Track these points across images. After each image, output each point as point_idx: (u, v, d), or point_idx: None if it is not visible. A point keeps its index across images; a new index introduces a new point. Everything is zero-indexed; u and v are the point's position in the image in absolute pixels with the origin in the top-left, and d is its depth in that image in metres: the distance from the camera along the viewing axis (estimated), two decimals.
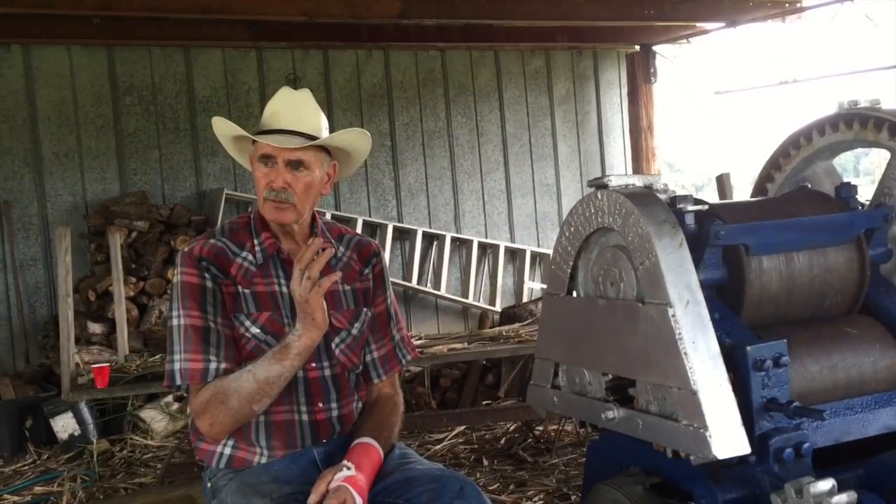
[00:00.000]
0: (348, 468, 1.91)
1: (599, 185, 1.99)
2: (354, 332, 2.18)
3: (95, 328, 6.16)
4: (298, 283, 1.93)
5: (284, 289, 2.14)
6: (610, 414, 1.98)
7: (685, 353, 1.77)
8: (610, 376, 2.01)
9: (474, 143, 8.01)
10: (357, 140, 2.24)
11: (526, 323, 5.24)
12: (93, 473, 4.91)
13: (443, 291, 7.55)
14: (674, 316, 1.79)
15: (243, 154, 2.25)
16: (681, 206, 1.96)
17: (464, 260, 7.81)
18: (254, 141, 2.15)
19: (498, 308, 7.62)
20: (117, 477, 4.91)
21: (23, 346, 6.53)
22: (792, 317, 2.06)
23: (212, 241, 2.15)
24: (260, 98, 7.22)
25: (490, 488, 4.25)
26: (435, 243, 7.68)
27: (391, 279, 7.03)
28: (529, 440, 4.90)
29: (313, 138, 2.13)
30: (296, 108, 2.14)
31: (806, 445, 1.79)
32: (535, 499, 4.03)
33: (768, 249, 1.97)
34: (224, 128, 2.21)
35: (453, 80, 7.90)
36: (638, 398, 1.93)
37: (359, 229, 7.30)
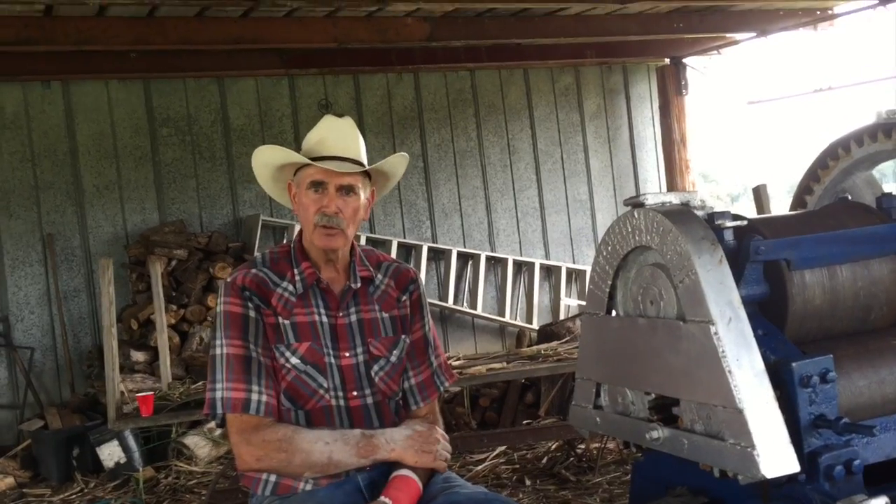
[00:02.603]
0: None
1: (636, 203, 1.99)
2: (393, 359, 2.20)
3: (138, 356, 6.25)
4: (432, 431, 2.09)
5: (324, 318, 2.16)
6: (655, 434, 1.96)
7: (729, 371, 1.75)
8: (653, 395, 2.00)
9: (506, 162, 8.02)
10: (400, 164, 2.30)
11: (564, 341, 5.22)
12: (139, 501, 4.97)
13: (479, 311, 7.55)
14: (716, 334, 1.77)
15: (279, 184, 2.27)
16: (719, 222, 1.95)
17: (499, 278, 7.80)
18: (296, 170, 2.18)
19: (535, 326, 7.60)
20: None
21: (68, 377, 6.64)
22: (837, 331, 2.03)
23: (254, 270, 2.18)
24: (293, 125, 7.31)
25: None
26: (470, 262, 7.69)
27: (430, 300, 7.06)
28: (571, 459, 4.87)
29: (358, 163, 2.16)
30: (342, 136, 2.18)
31: (857, 462, 1.76)
32: None
33: (810, 263, 1.95)
34: (273, 155, 2.23)
35: (483, 99, 7.94)
36: (682, 417, 1.91)
37: (394, 251, 7.34)
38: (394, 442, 1.98)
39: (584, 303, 7.33)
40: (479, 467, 5.02)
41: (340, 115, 2.23)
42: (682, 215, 1.90)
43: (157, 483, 5.37)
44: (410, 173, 7.62)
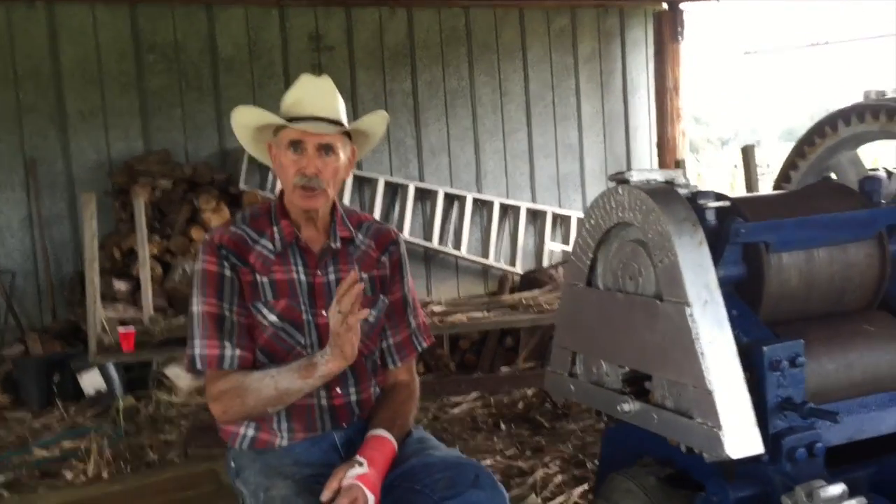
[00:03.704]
0: (360, 464, 1.94)
1: (620, 179, 1.99)
2: (371, 319, 2.21)
3: (120, 286, 6.25)
4: (337, 324, 1.94)
5: (302, 276, 2.17)
6: (626, 406, 2.00)
7: (702, 353, 1.78)
8: (627, 369, 2.03)
9: (497, 103, 7.95)
10: (379, 124, 2.28)
11: (546, 289, 5.25)
12: (119, 430, 5.03)
13: (463, 252, 7.57)
14: (691, 315, 1.79)
15: (259, 144, 2.25)
16: (702, 201, 1.95)
17: (485, 220, 7.81)
18: (276, 130, 2.16)
19: (518, 269, 7.65)
20: (143, 434, 5.03)
21: (49, 302, 6.65)
22: (811, 312, 2.05)
23: (232, 228, 2.18)
24: (283, 57, 7.19)
25: (507, 453, 4.32)
26: (456, 203, 7.68)
27: (413, 239, 7.05)
28: (547, 405, 4.96)
29: (337, 123, 2.15)
30: (320, 95, 2.16)
31: (819, 445, 1.81)
32: (551, 465, 4.08)
33: (789, 247, 1.96)
34: (250, 116, 2.21)
35: (477, 38, 7.82)
36: (654, 392, 1.95)
37: (380, 189, 7.32)
38: (325, 354, 2.00)
39: (568, 248, 7.37)
40: (456, 410, 5.10)
41: (319, 74, 2.21)
42: (665, 195, 1.90)
43: (137, 412, 5.42)
44: (400, 111, 7.55)
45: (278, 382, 2.03)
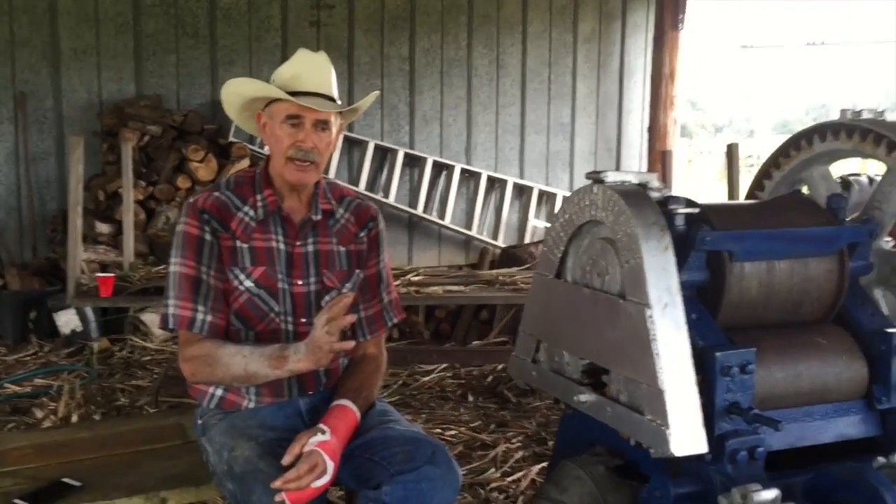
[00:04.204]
0: (323, 432, 2.00)
1: (596, 178, 2.05)
2: (345, 291, 2.27)
3: (103, 228, 6.27)
4: (319, 329, 1.98)
5: (282, 246, 2.23)
6: (583, 397, 2.08)
7: (657, 354, 1.85)
8: (587, 361, 2.11)
9: (493, 76, 7.95)
10: (370, 102, 2.34)
11: (524, 267, 5.32)
12: (92, 371, 5.09)
13: (447, 221, 7.62)
14: (651, 317, 1.86)
15: (245, 112, 2.29)
16: (672, 206, 2.01)
17: (471, 192, 7.85)
18: (269, 102, 2.20)
19: (501, 243, 7.71)
20: (115, 377, 5.09)
21: (31, 238, 6.66)
22: (768, 320, 2.13)
23: (216, 193, 2.22)
24: (281, 10, 7.15)
25: (472, 425, 4.41)
26: (444, 173, 7.71)
27: (398, 205, 7.05)
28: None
29: (332, 99, 2.21)
30: (317, 71, 2.21)
31: (760, 449, 1.89)
32: (514, 440, 4.17)
33: (751, 257, 2.03)
34: (249, 87, 2.24)
35: (478, 8, 7.79)
36: (610, 386, 2.02)
37: (370, 152, 7.33)
38: (299, 352, 2.05)
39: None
40: (426, 378, 5.18)
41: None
42: (637, 198, 1.96)
43: (112, 355, 5.48)
44: (395, 76, 7.55)
45: (248, 364, 2.09)
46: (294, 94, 2.17)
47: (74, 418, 4.01)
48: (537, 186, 8.04)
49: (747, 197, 2.61)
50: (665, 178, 5.46)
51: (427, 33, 7.65)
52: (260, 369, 2.09)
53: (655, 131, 8.20)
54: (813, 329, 2.14)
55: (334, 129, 2.23)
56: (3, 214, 6.63)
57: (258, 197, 2.23)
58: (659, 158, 7.11)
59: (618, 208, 1.96)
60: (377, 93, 2.34)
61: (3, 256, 6.57)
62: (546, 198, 8.13)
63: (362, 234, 2.34)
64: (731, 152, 4.59)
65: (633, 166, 8.55)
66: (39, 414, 4.19)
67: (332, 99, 2.22)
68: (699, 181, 16.96)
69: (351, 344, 2.06)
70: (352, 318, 2.02)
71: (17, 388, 4.78)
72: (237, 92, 2.25)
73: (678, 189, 6.14)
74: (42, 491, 2.14)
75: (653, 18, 8.30)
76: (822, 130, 2.34)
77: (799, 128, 2.58)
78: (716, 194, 12.05)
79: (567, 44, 8.20)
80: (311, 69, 2.19)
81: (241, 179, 2.28)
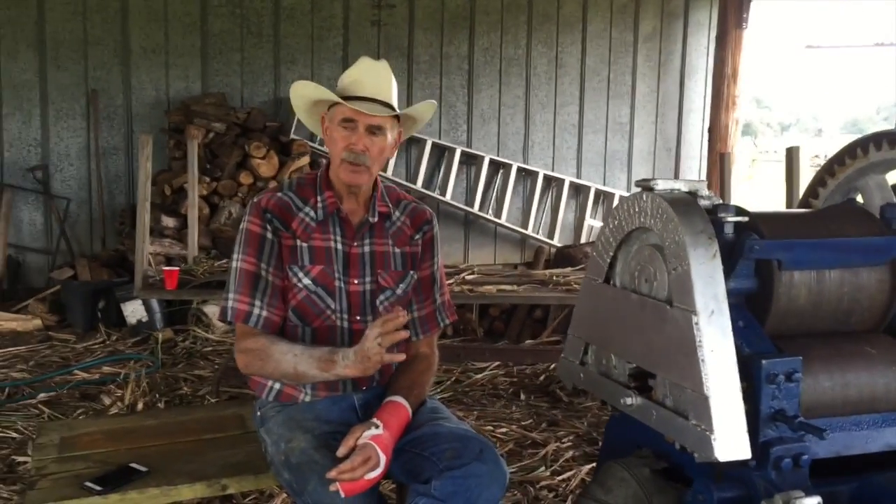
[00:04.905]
0: (376, 426, 2.07)
1: (646, 186, 2.08)
2: (399, 291, 2.35)
3: (168, 222, 6.48)
4: (371, 340, 2.04)
5: (339, 246, 2.31)
6: (629, 400, 2.11)
7: (703, 360, 1.88)
8: (634, 365, 2.14)
9: (552, 75, 7.97)
10: (428, 111, 2.41)
11: (578, 267, 5.34)
12: (157, 360, 5.27)
13: (503, 220, 7.67)
14: (697, 324, 1.89)
15: (313, 116, 2.38)
16: (721, 215, 2.03)
17: (528, 191, 7.88)
18: (330, 106, 2.29)
19: (556, 242, 7.73)
20: (178, 366, 5.27)
21: (100, 231, 6.92)
22: (817, 330, 2.13)
23: (279, 194, 2.32)
24: (343, 11, 7.27)
25: (523, 423, 4.44)
26: (501, 171, 7.76)
27: (454, 203, 7.13)
28: None
29: (389, 106, 2.28)
30: (376, 78, 2.28)
31: (805, 457, 1.90)
32: (565, 440, 4.19)
33: (800, 266, 2.04)
34: (308, 90, 2.33)
35: (538, 7, 7.82)
36: (656, 390, 2.05)
37: (427, 150, 7.42)
38: (347, 359, 2.12)
39: None
40: (479, 375, 5.24)
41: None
42: (685, 205, 1.99)
43: (175, 345, 5.67)
44: (454, 74, 7.62)
45: (298, 364, 2.17)
46: (351, 98, 2.24)
47: (140, 406, 4.17)
48: (594, 186, 8.03)
49: (801, 204, 2.60)
50: (722, 181, 5.41)
51: (486, 32, 7.70)
52: (309, 370, 2.17)
53: (716, 132, 8.11)
54: (863, 339, 2.13)
55: (390, 135, 2.29)
56: (75, 207, 6.90)
57: (319, 198, 2.32)
58: (717, 161, 7.04)
59: (666, 216, 1.99)
60: (434, 102, 2.39)
61: (74, 248, 6.83)
62: (603, 198, 8.12)
63: (417, 236, 2.41)
64: (791, 156, 4.53)
65: (693, 167, 8.48)
66: (107, 401, 4.37)
67: (389, 105, 2.28)
68: (762, 182, 16.67)
69: (401, 356, 2.12)
70: (405, 333, 2.07)
71: (85, 375, 4.99)
72: (300, 94, 2.35)
73: (736, 192, 6.08)
74: (111, 475, 2.26)
75: (716, 17, 8.22)
76: (878, 139, 2.33)
77: (870, 127, 2.57)
78: (777, 198, 11.85)
79: (627, 43, 8.17)
80: (371, 75, 2.27)
81: (303, 181, 2.37)
